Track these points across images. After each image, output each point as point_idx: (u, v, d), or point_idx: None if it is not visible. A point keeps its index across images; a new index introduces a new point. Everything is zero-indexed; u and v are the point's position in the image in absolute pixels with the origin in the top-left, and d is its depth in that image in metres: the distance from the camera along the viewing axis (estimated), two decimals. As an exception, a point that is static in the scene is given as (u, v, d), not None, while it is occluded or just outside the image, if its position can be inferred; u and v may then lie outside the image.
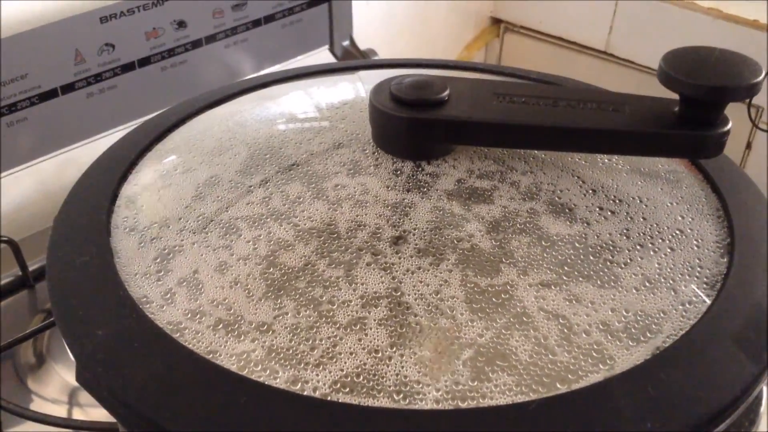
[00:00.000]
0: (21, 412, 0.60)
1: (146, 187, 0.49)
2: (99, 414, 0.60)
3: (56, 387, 0.65)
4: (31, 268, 0.72)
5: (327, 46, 0.99)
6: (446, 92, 0.46)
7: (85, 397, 0.64)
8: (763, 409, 0.51)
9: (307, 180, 0.47)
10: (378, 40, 1.07)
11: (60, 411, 0.63)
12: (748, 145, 1.14)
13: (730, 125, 0.44)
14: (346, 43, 1.00)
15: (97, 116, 0.79)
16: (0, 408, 0.59)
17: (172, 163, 0.51)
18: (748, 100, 0.90)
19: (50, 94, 0.75)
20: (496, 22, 1.35)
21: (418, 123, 0.46)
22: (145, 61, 0.81)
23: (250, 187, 0.47)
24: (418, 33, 1.22)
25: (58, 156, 0.78)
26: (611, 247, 0.43)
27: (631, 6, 1.17)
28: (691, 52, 0.44)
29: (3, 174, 0.75)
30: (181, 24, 0.82)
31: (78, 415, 0.63)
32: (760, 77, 0.42)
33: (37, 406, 0.63)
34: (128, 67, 0.80)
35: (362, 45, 1.02)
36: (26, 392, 0.64)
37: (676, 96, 0.45)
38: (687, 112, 0.45)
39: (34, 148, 0.76)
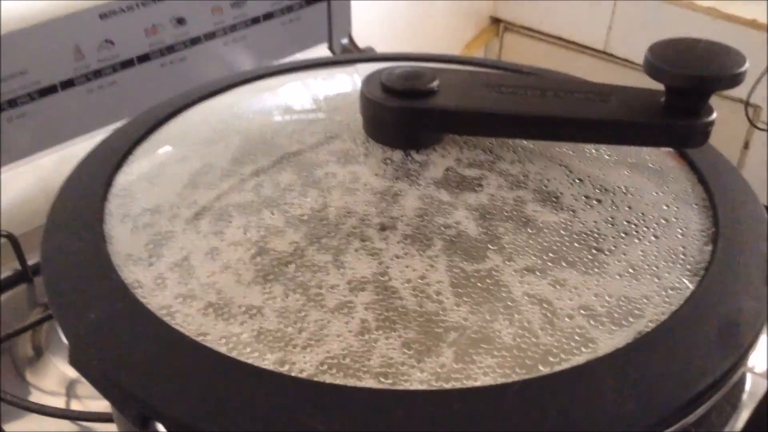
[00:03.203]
0: (19, 403, 0.61)
1: (140, 176, 0.50)
2: (96, 405, 0.60)
3: (54, 379, 0.65)
4: (30, 263, 0.73)
5: (326, 44, 0.99)
6: (436, 82, 0.47)
7: (82, 388, 0.64)
8: (746, 394, 0.51)
9: (299, 169, 0.48)
10: (377, 39, 1.07)
11: (58, 402, 0.63)
12: (746, 145, 1.14)
13: (714, 115, 0.45)
14: (344, 41, 1.01)
15: (96, 112, 0.80)
16: (-1, 399, 0.60)
17: (167, 153, 0.52)
18: (746, 100, 0.91)
19: (50, 90, 0.76)
20: (496, 21, 1.36)
21: (408, 112, 0.47)
22: (144, 58, 0.82)
23: (242, 175, 0.48)
24: (417, 32, 1.23)
25: (57, 151, 0.78)
26: (596, 235, 0.44)
27: (629, 6, 1.17)
28: (677, 43, 0.45)
29: (3, 169, 0.75)
30: (181, 21, 0.83)
31: (75, 406, 0.63)
32: (743, 67, 0.43)
33: (36, 397, 0.63)
34: (128, 64, 0.81)
35: (361, 43, 1.02)
36: (25, 384, 0.65)
37: (662, 87, 0.45)
38: (672, 102, 0.45)
39: (33, 144, 0.77)
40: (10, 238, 0.70)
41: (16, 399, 0.61)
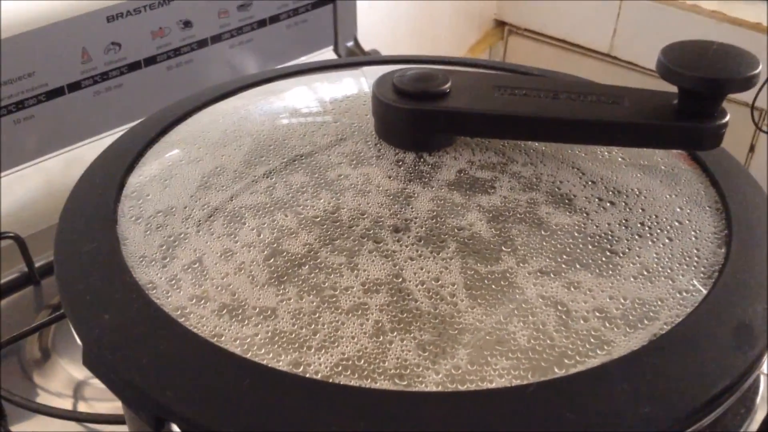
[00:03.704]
0: (27, 404, 0.61)
1: (152, 178, 0.49)
2: (104, 407, 0.60)
3: (61, 381, 0.65)
4: (37, 265, 0.73)
5: (331, 47, 1.00)
6: (448, 84, 0.47)
7: (89, 390, 0.64)
8: (760, 397, 0.51)
9: (311, 170, 0.48)
10: (382, 42, 1.07)
11: (65, 404, 0.63)
12: (751, 148, 1.14)
13: (728, 118, 0.45)
14: (350, 43, 1.01)
15: (103, 115, 0.80)
16: (6, 401, 0.60)
17: (178, 155, 0.52)
18: (751, 103, 0.91)
19: (57, 92, 0.76)
20: (500, 24, 1.36)
21: (420, 114, 0.46)
22: (151, 60, 0.82)
23: (255, 177, 0.48)
24: (422, 35, 1.23)
25: (64, 154, 0.79)
26: (610, 237, 0.44)
27: (634, 8, 1.17)
28: (690, 45, 0.45)
29: (9, 171, 0.75)
30: (187, 24, 0.83)
31: (83, 408, 0.63)
32: (757, 70, 0.43)
33: (43, 399, 0.63)
34: (134, 66, 0.81)
35: (366, 46, 1.02)
36: (32, 386, 0.65)
37: (675, 89, 0.45)
38: (685, 104, 0.45)
39: (40, 146, 0.77)
40: (17, 239, 0.70)
41: (23, 400, 0.61)
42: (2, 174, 0.75)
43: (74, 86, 0.77)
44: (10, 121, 0.73)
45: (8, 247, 0.71)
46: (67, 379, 0.65)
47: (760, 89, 0.89)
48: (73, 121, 0.78)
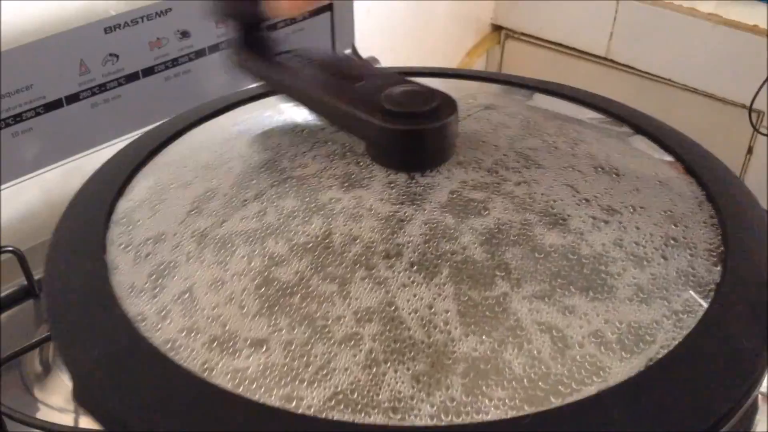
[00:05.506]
0: (27, 420, 0.60)
1: (142, 203, 0.49)
2: (105, 423, 0.60)
3: (63, 396, 0.65)
4: (36, 278, 0.72)
5: (329, 54, 0.99)
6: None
7: (90, 406, 0.64)
8: (758, 418, 0.51)
9: (302, 193, 0.47)
10: (380, 48, 1.07)
11: (67, 420, 0.63)
12: (749, 150, 1.13)
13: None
14: (348, 51, 1.00)
15: (101, 126, 0.80)
16: (6, 416, 0.60)
17: (168, 178, 0.51)
18: (749, 105, 0.90)
19: (55, 105, 0.75)
20: (497, 28, 1.35)
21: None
22: (149, 71, 0.82)
23: (245, 201, 0.47)
24: (419, 40, 1.23)
25: (62, 166, 0.78)
26: (604, 258, 0.43)
27: (631, 12, 1.17)
28: None
29: (8, 184, 0.75)
30: (185, 34, 0.83)
31: (84, 423, 0.63)
32: None
33: (44, 414, 0.63)
34: (132, 77, 0.81)
35: (364, 53, 1.02)
36: (32, 401, 0.64)
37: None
38: None
39: (39, 158, 0.77)
40: (16, 253, 0.70)
41: (24, 416, 0.61)
42: (1, 187, 0.75)
43: (72, 98, 0.76)
44: (8, 134, 0.73)
45: (7, 260, 0.71)
46: (69, 394, 0.65)
47: (758, 91, 0.89)
48: (71, 133, 0.78)
